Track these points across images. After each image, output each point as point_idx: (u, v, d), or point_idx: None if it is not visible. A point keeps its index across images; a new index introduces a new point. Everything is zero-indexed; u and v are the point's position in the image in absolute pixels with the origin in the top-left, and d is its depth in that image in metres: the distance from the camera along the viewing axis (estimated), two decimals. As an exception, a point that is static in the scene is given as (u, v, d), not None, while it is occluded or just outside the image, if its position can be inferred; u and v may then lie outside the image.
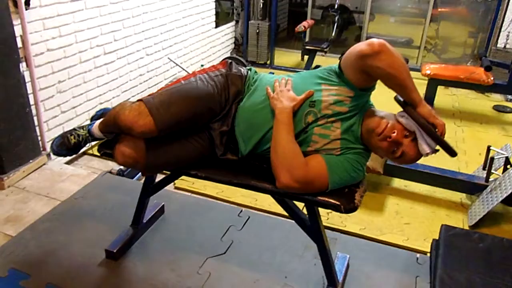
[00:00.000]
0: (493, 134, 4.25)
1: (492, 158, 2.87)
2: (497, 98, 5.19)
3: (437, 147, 1.48)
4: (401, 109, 1.51)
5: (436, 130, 1.46)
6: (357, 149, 1.57)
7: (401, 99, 1.50)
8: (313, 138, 1.55)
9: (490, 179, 2.91)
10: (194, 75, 1.67)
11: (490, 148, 2.99)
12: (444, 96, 5.11)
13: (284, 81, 1.63)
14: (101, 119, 1.79)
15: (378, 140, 1.51)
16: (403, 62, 1.42)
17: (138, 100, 1.58)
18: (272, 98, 1.58)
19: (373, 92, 1.60)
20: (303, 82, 1.62)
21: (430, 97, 4.56)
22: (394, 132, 1.48)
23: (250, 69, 1.76)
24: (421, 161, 3.35)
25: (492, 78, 4.28)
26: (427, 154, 1.49)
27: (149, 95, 1.61)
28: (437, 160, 3.47)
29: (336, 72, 1.56)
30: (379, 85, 1.52)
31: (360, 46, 1.43)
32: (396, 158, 1.53)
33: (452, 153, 1.46)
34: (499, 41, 5.51)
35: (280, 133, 1.52)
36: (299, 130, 1.55)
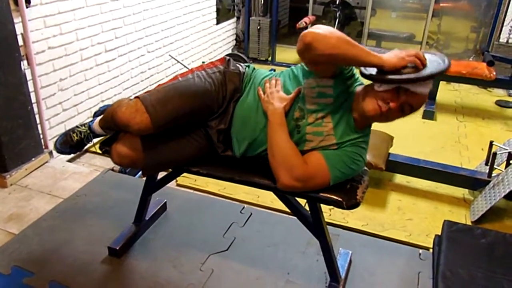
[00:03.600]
0: (496, 129, 4.24)
1: (495, 153, 2.86)
2: (500, 93, 5.17)
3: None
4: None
5: (413, 65, 1.39)
6: (353, 140, 1.55)
7: (365, 71, 1.45)
8: (307, 137, 1.54)
9: (492, 175, 2.91)
10: (192, 72, 1.66)
11: (493, 143, 2.98)
12: (446, 92, 5.10)
13: (274, 82, 1.62)
14: (101, 116, 1.80)
15: (377, 120, 1.51)
16: (338, 36, 1.36)
17: (135, 97, 1.59)
18: (263, 100, 1.58)
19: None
20: (290, 80, 1.62)
21: (432, 93, 4.55)
22: (388, 104, 1.44)
23: (248, 66, 1.75)
24: (423, 157, 3.36)
25: (494, 73, 4.27)
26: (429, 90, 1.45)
27: (146, 92, 1.61)
28: (440, 156, 3.48)
29: (305, 68, 1.57)
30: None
31: (297, 46, 1.40)
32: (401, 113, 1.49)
33: (444, 70, 1.40)
34: (501, 35, 5.48)
35: (275, 134, 1.52)
36: (291, 128, 1.55)
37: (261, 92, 1.61)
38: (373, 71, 1.45)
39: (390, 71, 1.40)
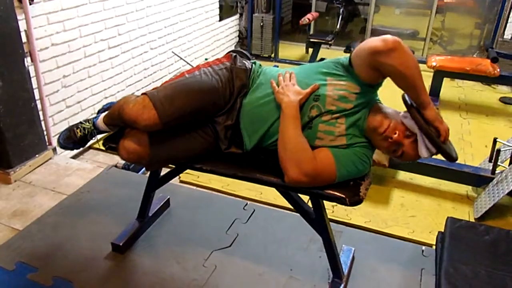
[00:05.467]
0: (500, 126, 4.22)
1: (499, 150, 2.85)
2: (504, 90, 5.14)
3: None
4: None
5: (440, 135, 1.45)
6: (363, 142, 1.56)
7: (408, 100, 1.49)
8: (318, 135, 1.55)
9: (496, 172, 2.90)
10: (199, 69, 1.66)
11: (497, 140, 2.97)
12: (450, 88, 5.08)
13: (288, 75, 1.63)
14: (106, 112, 1.80)
15: (380, 139, 1.52)
16: (416, 62, 1.40)
17: (142, 94, 1.59)
18: (278, 92, 1.58)
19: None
20: (307, 76, 1.61)
21: (436, 89, 4.53)
22: (395, 133, 1.48)
23: (254, 63, 1.75)
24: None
25: (498, 70, 4.25)
26: (426, 157, 1.50)
27: (153, 89, 1.61)
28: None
29: (345, 65, 1.55)
30: (387, 79, 1.50)
31: (374, 42, 1.40)
32: (396, 157, 1.54)
33: (451, 159, 1.47)
34: (506, 32, 5.45)
35: (288, 127, 1.51)
36: (303, 124, 1.55)
37: (274, 85, 1.61)
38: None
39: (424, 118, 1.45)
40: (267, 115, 1.60)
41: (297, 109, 1.53)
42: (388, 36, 1.39)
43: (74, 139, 1.85)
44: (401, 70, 1.38)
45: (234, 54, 1.75)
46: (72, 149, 1.90)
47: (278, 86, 1.60)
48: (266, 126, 1.60)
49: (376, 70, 1.45)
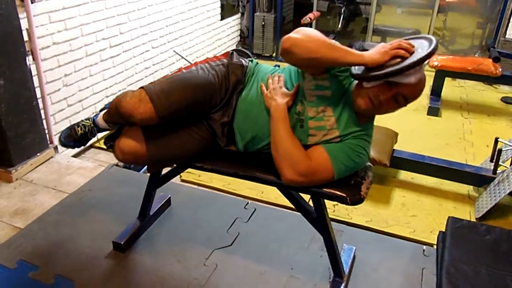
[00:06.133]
0: (501, 126, 4.21)
1: (500, 150, 2.85)
2: (506, 90, 5.13)
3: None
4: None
5: (399, 59, 1.37)
6: (356, 133, 1.54)
7: (352, 72, 1.46)
8: (310, 132, 1.55)
9: (497, 171, 2.89)
10: (196, 65, 1.68)
11: (498, 140, 2.97)
12: (452, 88, 5.07)
13: (277, 78, 1.63)
14: (106, 110, 1.81)
15: (379, 111, 1.50)
16: (317, 40, 1.38)
17: (139, 88, 1.60)
18: (266, 96, 1.59)
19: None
20: (291, 76, 1.63)
21: (437, 89, 4.53)
22: (381, 97, 1.43)
23: (251, 61, 1.76)
24: (428, 153, 3.35)
25: (500, 70, 4.23)
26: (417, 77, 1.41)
27: (150, 83, 1.62)
28: (444, 153, 3.46)
29: None
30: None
31: (279, 49, 1.44)
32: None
33: (427, 57, 1.37)
34: (508, 31, 5.43)
35: (278, 130, 1.52)
36: (294, 123, 1.55)
37: (264, 88, 1.62)
38: (360, 70, 1.45)
39: (375, 67, 1.39)
40: (257, 118, 1.61)
41: (285, 111, 1.54)
42: (283, 38, 1.41)
43: (75, 137, 1.86)
44: (309, 57, 1.38)
45: (232, 51, 1.76)
46: (73, 147, 1.91)
47: (267, 89, 1.61)
48: (256, 128, 1.61)
49: (301, 66, 1.52)
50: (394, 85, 1.41)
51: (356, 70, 1.47)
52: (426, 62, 1.41)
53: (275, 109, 1.54)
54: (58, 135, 1.93)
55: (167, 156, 1.67)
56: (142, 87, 1.59)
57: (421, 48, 1.41)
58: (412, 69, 1.37)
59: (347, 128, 1.54)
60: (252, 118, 1.62)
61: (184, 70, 1.66)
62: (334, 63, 1.43)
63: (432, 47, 1.38)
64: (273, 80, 1.63)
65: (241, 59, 1.73)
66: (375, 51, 1.41)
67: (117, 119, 1.69)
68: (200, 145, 1.68)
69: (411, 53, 1.39)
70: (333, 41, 1.41)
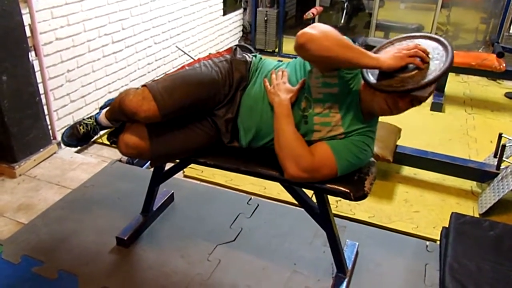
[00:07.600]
0: (505, 122, 4.20)
1: (504, 146, 2.84)
2: (509, 85, 5.11)
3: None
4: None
5: (412, 66, 1.35)
6: (360, 129, 1.54)
7: (367, 79, 1.43)
8: (315, 128, 1.54)
9: (501, 167, 2.89)
10: (199, 62, 1.67)
11: (502, 135, 2.96)
12: (455, 83, 5.05)
13: (280, 73, 1.62)
14: (108, 107, 1.81)
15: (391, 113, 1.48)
16: (333, 38, 1.34)
17: (142, 86, 1.59)
18: (269, 92, 1.58)
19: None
20: (296, 71, 1.61)
21: (440, 84, 4.51)
22: (398, 103, 1.42)
23: (255, 56, 1.75)
24: (431, 149, 3.34)
25: (504, 65, 4.22)
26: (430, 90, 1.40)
27: (153, 81, 1.62)
28: (448, 148, 3.46)
29: None
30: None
31: (294, 43, 1.41)
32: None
33: (446, 71, 1.36)
34: (511, 27, 5.41)
35: (282, 126, 1.52)
36: (298, 119, 1.55)
37: (267, 84, 1.61)
38: (373, 73, 1.43)
39: (391, 72, 1.37)
40: (261, 114, 1.60)
41: (289, 107, 1.53)
42: (299, 32, 1.37)
43: (78, 136, 1.85)
44: (323, 55, 1.34)
45: (235, 46, 1.75)
46: (76, 146, 1.91)
47: (271, 85, 1.60)
48: (260, 123, 1.60)
49: (313, 62, 1.49)
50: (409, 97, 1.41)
51: (368, 73, 1.44)
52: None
53: (279, 105, 1.53)
54: (61, 134, 1.93)
55: (170, 151, 1.66)
56: (145, 85, 1.58)
57: (436, 53, 1.38)
58: (432, 84, 1.35)
59: (352, 125, 1.53)
60: (256, 114, 1.61)
61: (187, 67, 1.65)
62: (348, 63, 1.39)
63: (448, 61, 1.34)
64: (277, 75, 1.62)
65: (244, 54, 1.72)
66: (391, 55, 1.38)
67: (120, 117, 1.69)
68: (204, 141, 1.68)
69: (427, 62, 1.37)
70: (349, 41, 1.38)
